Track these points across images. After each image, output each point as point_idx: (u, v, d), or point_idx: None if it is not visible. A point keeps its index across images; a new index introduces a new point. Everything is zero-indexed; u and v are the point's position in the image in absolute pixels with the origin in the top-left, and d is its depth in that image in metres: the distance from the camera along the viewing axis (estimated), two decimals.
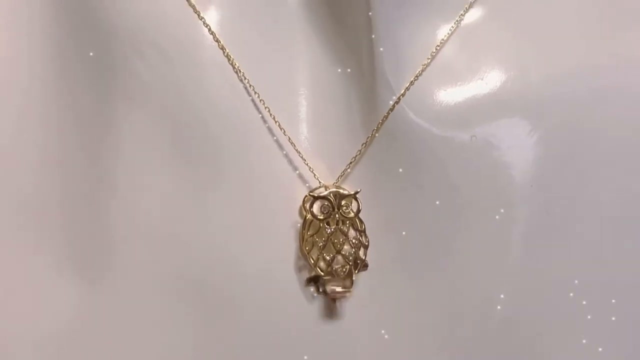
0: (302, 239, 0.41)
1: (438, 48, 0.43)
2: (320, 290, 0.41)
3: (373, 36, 0.41)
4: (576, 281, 0.42)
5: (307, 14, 0.43)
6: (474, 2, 0.43)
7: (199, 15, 0.42)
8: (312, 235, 0.41)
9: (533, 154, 0.42)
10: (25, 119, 0.42)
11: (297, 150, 0.42)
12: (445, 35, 0.43)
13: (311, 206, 0.41)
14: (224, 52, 0.42)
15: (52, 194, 0.42)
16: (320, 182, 0.42)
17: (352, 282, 0.42)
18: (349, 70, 0.42)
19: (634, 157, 0.43)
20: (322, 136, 0.42)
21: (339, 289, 0.41)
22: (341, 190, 0.42)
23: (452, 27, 0.43)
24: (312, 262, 0.41)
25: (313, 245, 0.41)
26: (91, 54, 0.42)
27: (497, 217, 0.42)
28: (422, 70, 0.42)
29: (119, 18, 0.42)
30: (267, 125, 0.42)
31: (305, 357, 0.41)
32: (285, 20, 0.43)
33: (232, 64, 0.42)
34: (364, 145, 0.42)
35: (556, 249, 0.42)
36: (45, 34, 0.42)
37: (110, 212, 0.41)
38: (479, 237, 0.42)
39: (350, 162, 0.42)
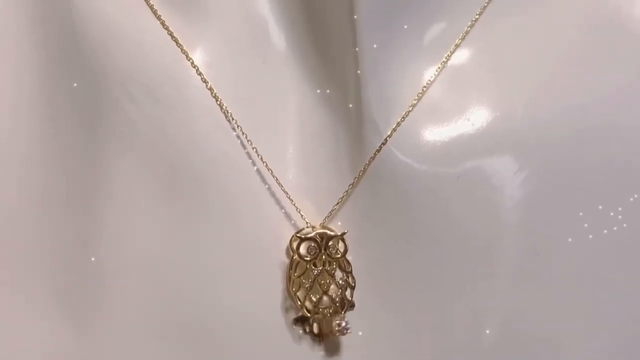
0: (289, 279, 0.41)
1: (425, 89, 0.43)
2: (307, 330, 0.41)
3: (360, 78, 0.41)
4: (563, 319, 0.42)
5: (295, 55, 0.43)
6: (460, 43, 0.44)
7: (187, 56, 0.42)
8: (299, 276, 0.41)
9: (520, 194, 0.42)
10: (9, 153, 0.42)
11: (284, 190, 0.42)
12: (432, 76, 0.43)
13: (298, 247, 0.41)
14: (211, 93, 0.42)
15: (38, 232, 0.42)
16: (307, 223, 0.42)
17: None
18: (337, 110, 0.42)
19: (621, 195, 0.43)
20: (310, 176, 0.43)
21: (339, 326, 0.41)
22: (328, 231, 0.42)
23: (439, 67, 0.43)
24: (299, 303, 0.41)
25: (300, 286, 0.41)
26: (75, 84, 0.42)
27: (484, 256, 0.42)
28: (409, 112, 0.42)
29: (106, 55, 0.42)
30: (255, 166, 0.42)
31: None
32: (273, 60, 0.43)
33: (219, 105, 0.42)
34: (351, 185, 0.42)
35: (544, 288, 0.42)
36: (31, 63, 0.42)
37: (97, 252, 0.41)
38: (466, 276, 0.42)
39: (338, 202, 0.42)
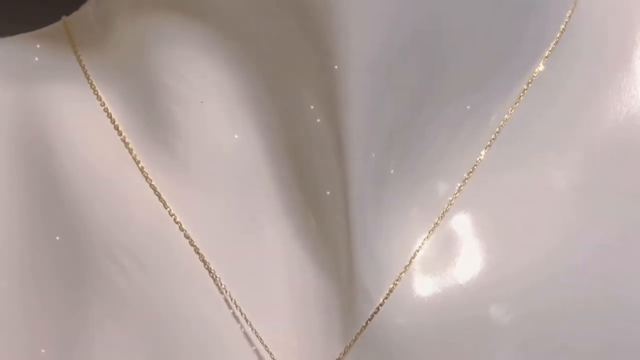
0: None
1: (416, 253, 0.42)
2: None
3: (351, 249, 0.40)
4: None
5: (286, 214, 0.42)
6: (452, 201, 0.43)
7: (175, 219, 0.41)
8: None
9: None
10: None
11: (272, 356, 0.41)
12: (423, 240, 0.42)
13: None
14: (200, 257, 0.41)
15: None
16: None
17: None
18: (328, 274, 0.42)
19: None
20: (300, 341, 0.42)
21: None
22: None
23: (430, 230, 0.42)
24: None
25: None
26: (57, 238, 0.41)
27: None
28: (399, 279, 0.41)
29: (90, 212, 0.41)
30: (244, 332, 0.41)
31: None
32: (262, 219, 0.42)
33: (207, 268, 0.41)
34: (342, 354, 0.41)
35: None
36: (11, 210, 0.42)
37: None
38: None
39: None
